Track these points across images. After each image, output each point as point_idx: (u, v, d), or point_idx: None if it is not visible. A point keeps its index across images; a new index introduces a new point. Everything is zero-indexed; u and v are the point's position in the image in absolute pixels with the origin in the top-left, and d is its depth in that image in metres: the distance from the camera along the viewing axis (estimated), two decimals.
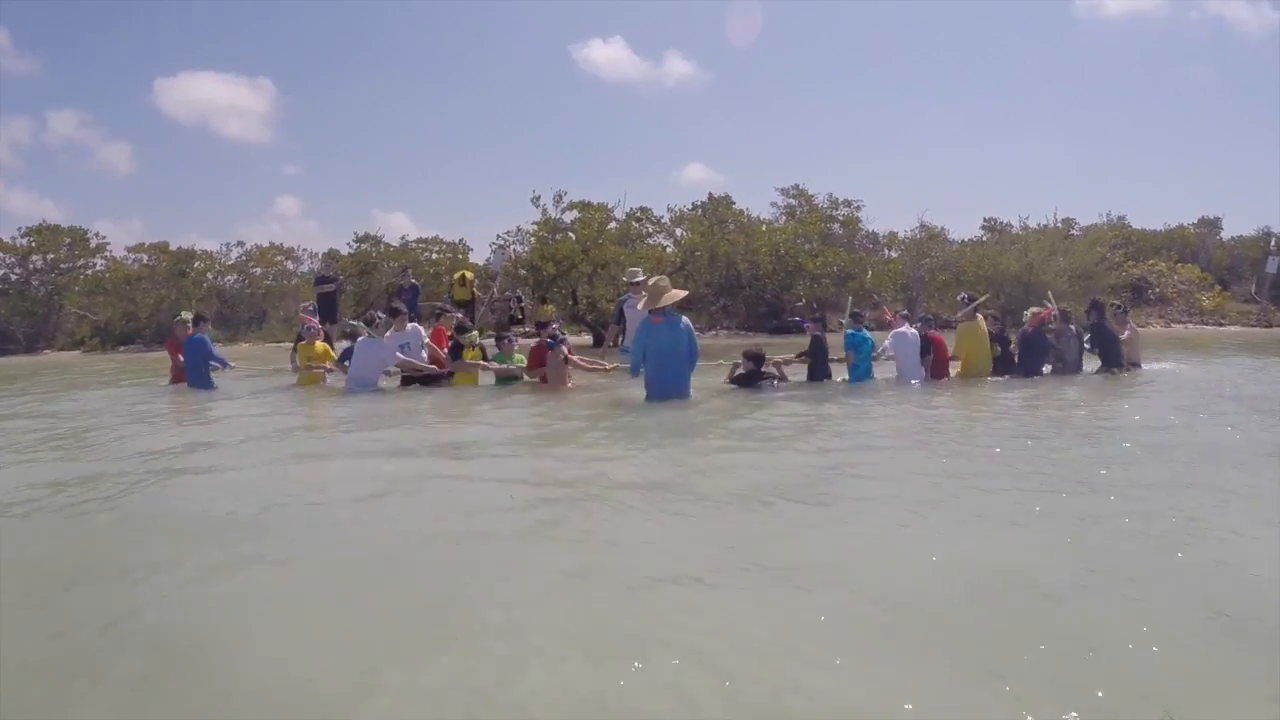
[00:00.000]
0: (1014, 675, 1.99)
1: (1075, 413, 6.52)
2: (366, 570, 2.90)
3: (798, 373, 8.28)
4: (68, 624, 2.52)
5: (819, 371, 8.20)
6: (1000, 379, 8.24)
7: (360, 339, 8.68)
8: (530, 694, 1.99)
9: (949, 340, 8.72)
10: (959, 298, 9.22)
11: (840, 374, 8.21)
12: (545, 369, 8.09)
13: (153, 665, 2.22)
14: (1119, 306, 9.60)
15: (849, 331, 8.22)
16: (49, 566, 3.09)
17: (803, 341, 8.64)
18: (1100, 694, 1.90)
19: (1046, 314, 8.36)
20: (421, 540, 3.25)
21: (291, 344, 9.91)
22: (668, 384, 6.82)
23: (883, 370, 8.34)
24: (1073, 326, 8.46)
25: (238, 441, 5.64)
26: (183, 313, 10.03)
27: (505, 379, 8.48)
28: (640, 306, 7.10)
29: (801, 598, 2.54)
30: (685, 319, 6.99)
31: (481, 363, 8.62)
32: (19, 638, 2.43)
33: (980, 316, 8.45)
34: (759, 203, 40.82)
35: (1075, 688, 1.92)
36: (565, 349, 8.16)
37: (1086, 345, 8.65)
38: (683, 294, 7.12)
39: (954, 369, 8.50)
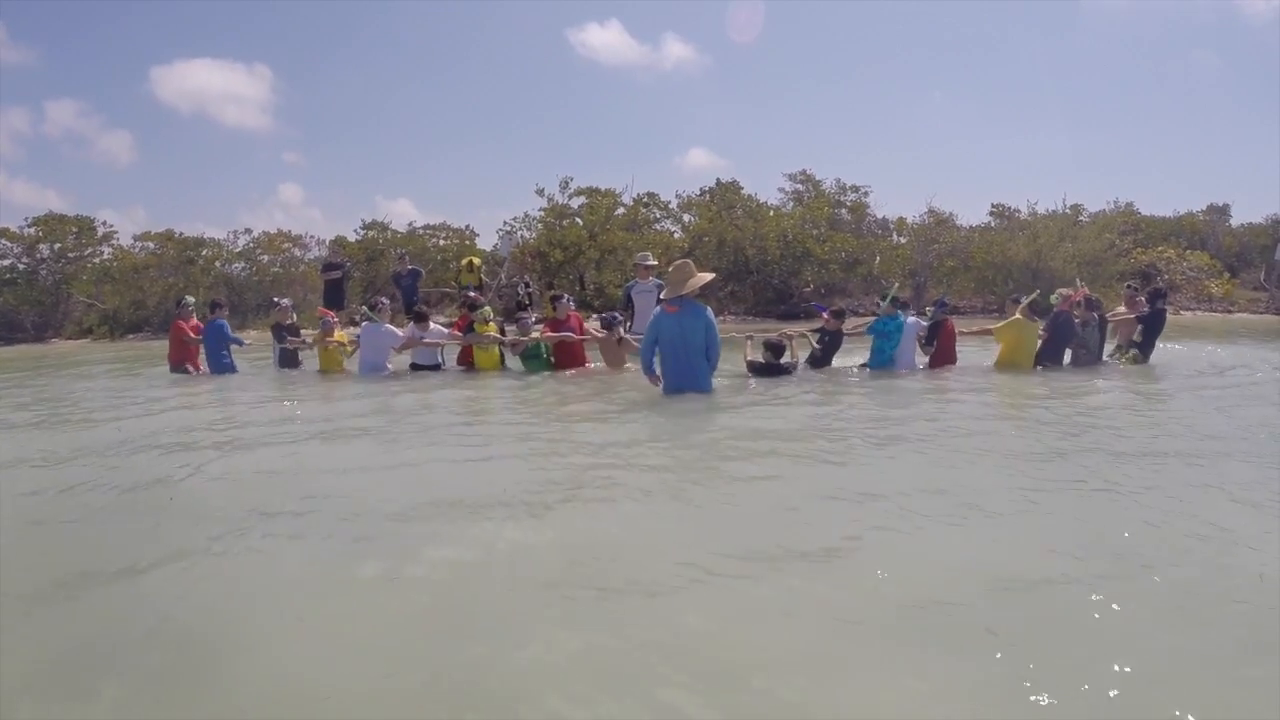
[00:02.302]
0: (1039, 680, 1.97)
1: (1105, 407, 6.43)
2: (380, 569, 2.84)
3: (806, 353, 8.35)
4: (76, 618, 2.50)
5: (823, 360, 8.21)
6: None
7: (365, 325, 8.81)
8: (541, 691, 1.98)
9: (960, 325, 8.59)
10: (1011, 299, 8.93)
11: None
12: (559, 336, 8.41)
13: (161, 660, 2.21)
14: (1133, 288, 9.54)
15: (882, 318, 8.05)
16: (56, 558, 3.06)
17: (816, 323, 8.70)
18: (1127, 700, 1.88)
19: (1077, 297, 8.26)
20: (434, 543, 3.18)
21: (272, 339, 9.94)
22: (682, 377, 6.39)
23: None
24: (1097, 315, 8.38)
25: (257, 429, 5.64)
26: (185, 297, 10.23)
27: (532, 363, 8.56)
28: (663, 295, 6.67)
29: (820, 600, 2.50)
30: (709, 310, 6.42)
31: (494, 336, 8.75)
32: (26, 632, 2.41)
33: (1035, 316, 8.20)
34: (762, 187, 40.61)
35: (1102, 694, 1.91)
36: (620, 330, 8.33)
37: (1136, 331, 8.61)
38: (708, 277, 6.42)
39: (991, 357, 8.38)
